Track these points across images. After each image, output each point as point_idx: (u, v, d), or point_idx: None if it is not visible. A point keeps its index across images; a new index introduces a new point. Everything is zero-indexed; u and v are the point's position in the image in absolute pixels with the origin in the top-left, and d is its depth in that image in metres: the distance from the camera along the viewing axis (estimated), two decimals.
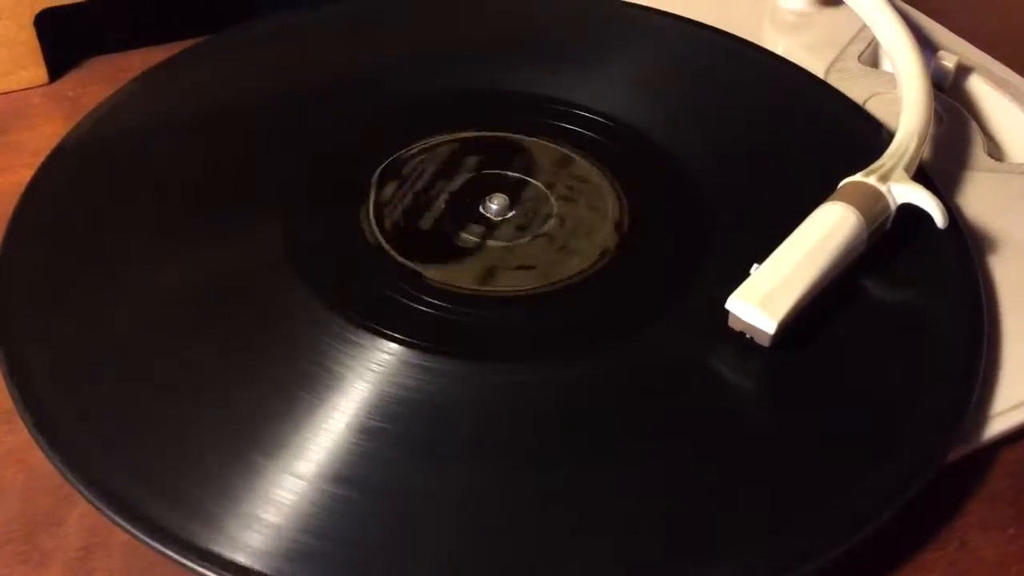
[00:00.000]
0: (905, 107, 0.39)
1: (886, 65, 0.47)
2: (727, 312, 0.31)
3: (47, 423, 0.29)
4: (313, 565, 0.26)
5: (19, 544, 0.29)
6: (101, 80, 0.41)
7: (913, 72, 0.40)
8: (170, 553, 0.26)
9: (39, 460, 0.31)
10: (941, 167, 0.40)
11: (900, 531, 0.30)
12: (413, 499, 0.28)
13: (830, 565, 0.27)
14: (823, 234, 0.33)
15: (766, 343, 0.31)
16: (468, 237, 0.35)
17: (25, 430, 0.31)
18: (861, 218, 0.33)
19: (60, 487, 0.30)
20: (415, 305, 0.32)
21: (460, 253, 0.34)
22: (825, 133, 0.41)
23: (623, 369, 0.31)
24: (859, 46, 0.47)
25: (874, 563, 0.29)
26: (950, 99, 0.44)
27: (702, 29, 0.45)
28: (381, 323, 0.31)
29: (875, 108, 0.42)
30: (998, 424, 0.32)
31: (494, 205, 0.36)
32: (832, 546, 0.27)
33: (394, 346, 0.31)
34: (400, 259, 0.34)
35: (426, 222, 0.35)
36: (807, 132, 0.41)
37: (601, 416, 0.30)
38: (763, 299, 0.31)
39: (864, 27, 0.47)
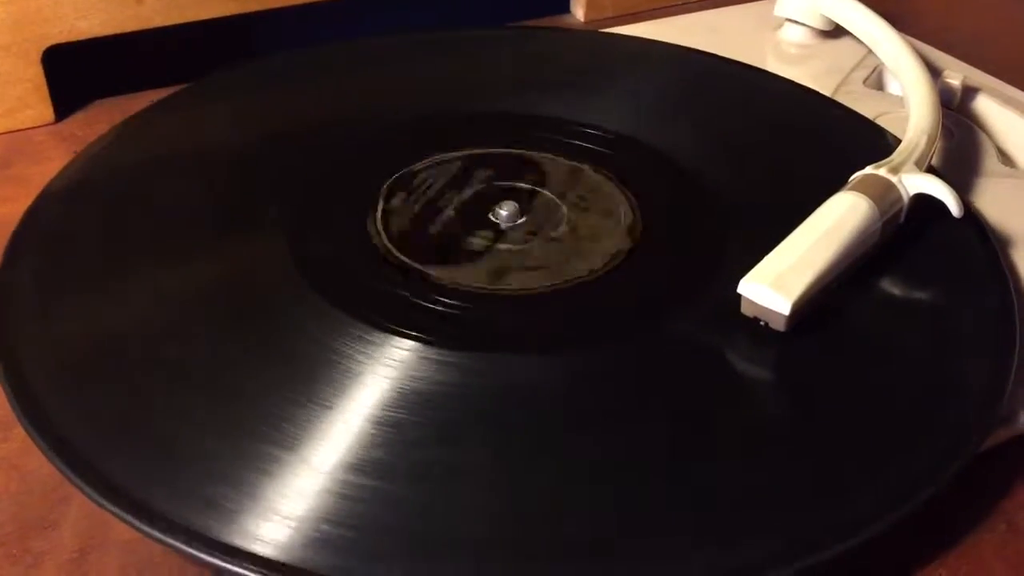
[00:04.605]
0: (913, 109, 0.38)
1: (892, 89, 0.47)
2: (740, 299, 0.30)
3: (47, 424, 0.28)
4: (333, 553, 0.25)
5: (11, 546, 0.28)
6: (107, 121, 0.41)
7: (918, 78, 0.40)
8: (189, 550, 0.25)
9: (33, 466, 0.30)
10: (956, 176, 0.39)
11: (947, 514, 0.29)
12: (432, 486, 0.27)
13: (870, 547, 0.26)
14: (835, 220, 0.32)
15: (781, 327, 0.30)
16: (477, 241, 0.35)
17: (18, 439, 0.30)
18: (874, 206, 0.33)
19: (54, 491, 0.29)
20: (423, 303, 0.32)
21: (468, 256, 0.34)
22: (834, 142, 0.41)
23: (632, 360, 0.30)
24: (863, 72, 0.47)
25: (922, 546, 0.28)
26: (958, 115, 0.44)
27: (699, 54, 0.46)
28: (390, 320, 0.31)
29: (883, 126, 0.42)
30: None
31: (504, 212, 0.36)
32: (868, 528, 0.26)
33: (407, 342, 0.30)
34: (406, 260, 0.33)
35: (434, 228, 0.35)
36: (816, 142, 0.41)
37: (614, 406, 0.29)
38: (776, 280, 0.30)
39: (867, 55, 0.47)
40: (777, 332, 0.30)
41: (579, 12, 0.57)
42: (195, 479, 0.26)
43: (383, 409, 0.28)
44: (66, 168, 0.37)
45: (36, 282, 0.33)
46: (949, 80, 0.45)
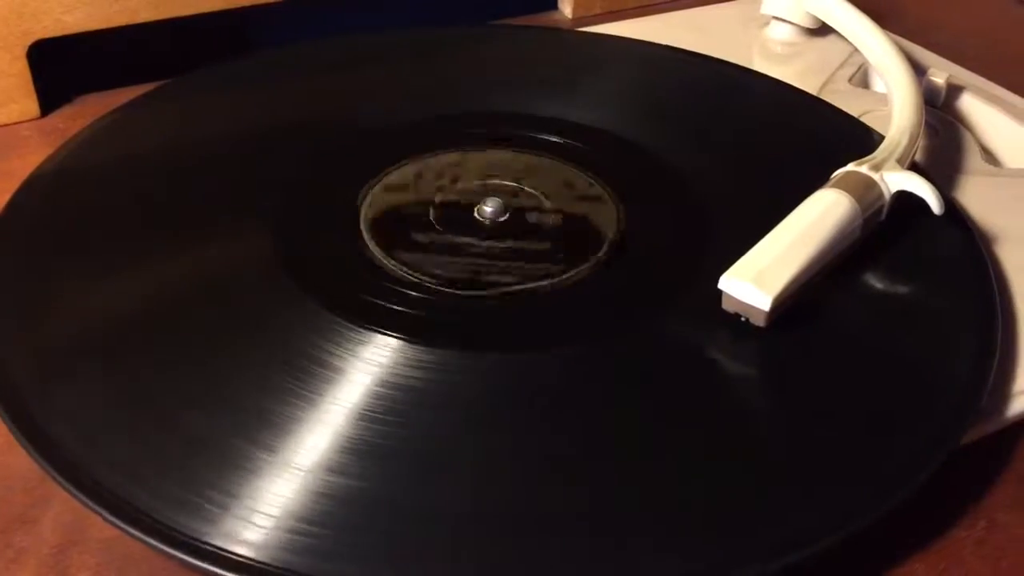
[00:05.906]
0: (896, 108, 0.38)
1: (877, 87, 0.47)
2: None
3: (28, 420, 0.28)
4: (314, 554, 0.25)
5: None
6: (92, 116, 0.40)
7: (901, 77, 0.40)
8: (171, 550, 0.25)
9: (14, 461, 0.30)
10: (940, 173, 0.40)
11: (926, 511, 0.29)
12: (415, 486, 0.27)
13: (850, 543, 0.26)
14: (816, 217, 0.32)
15: (762, 323, 0.30)
16: (461, 240, 0.35)
17: None
18: (855, 203, 0.33)
19: (35, 488, 0.29)
20: (407, 302, 0.32)
21: (452, 255, 0.34)
22: (819, 140, 0.41)
23: (613, 357, 0.31)
24: (849, 70, 0.47)
25: (902, 542, 0.28)
26: (943, 113, 0.44)
27: (685, 53, 0.46)
28: (373, 319, 0.31)
29: (868, 124, 0.42)
30: (1020, 403, 0.30)
31: (488, 209, 0.36)
32: (848, 523, 0.26)
33: (391, 341, 0.30)
34: (391, 260, 0.34)
35: (420, 227, 0.35)
36: (799, 139, 0.41)
37: (595, 405, 0.29)
38: (757, 276, 0.30)
39: (853, 53, 0.48)
40: (757, 328, 0.30)
41: (567, 9, 0.57)
42: (176, 478, 0.26)
43: (366, 408, 0.28)
44: (47, 161, 0.37)
45: (18, 277, 0.32)
46: (934, 78, 0.45)
